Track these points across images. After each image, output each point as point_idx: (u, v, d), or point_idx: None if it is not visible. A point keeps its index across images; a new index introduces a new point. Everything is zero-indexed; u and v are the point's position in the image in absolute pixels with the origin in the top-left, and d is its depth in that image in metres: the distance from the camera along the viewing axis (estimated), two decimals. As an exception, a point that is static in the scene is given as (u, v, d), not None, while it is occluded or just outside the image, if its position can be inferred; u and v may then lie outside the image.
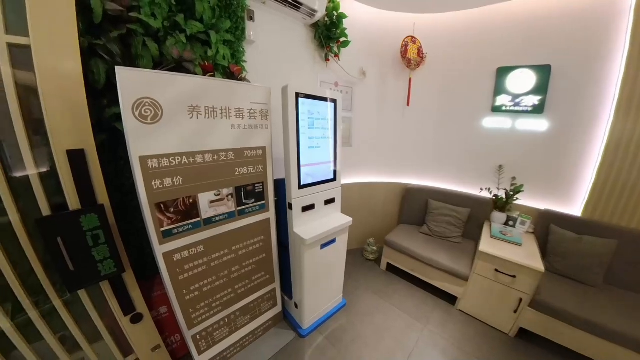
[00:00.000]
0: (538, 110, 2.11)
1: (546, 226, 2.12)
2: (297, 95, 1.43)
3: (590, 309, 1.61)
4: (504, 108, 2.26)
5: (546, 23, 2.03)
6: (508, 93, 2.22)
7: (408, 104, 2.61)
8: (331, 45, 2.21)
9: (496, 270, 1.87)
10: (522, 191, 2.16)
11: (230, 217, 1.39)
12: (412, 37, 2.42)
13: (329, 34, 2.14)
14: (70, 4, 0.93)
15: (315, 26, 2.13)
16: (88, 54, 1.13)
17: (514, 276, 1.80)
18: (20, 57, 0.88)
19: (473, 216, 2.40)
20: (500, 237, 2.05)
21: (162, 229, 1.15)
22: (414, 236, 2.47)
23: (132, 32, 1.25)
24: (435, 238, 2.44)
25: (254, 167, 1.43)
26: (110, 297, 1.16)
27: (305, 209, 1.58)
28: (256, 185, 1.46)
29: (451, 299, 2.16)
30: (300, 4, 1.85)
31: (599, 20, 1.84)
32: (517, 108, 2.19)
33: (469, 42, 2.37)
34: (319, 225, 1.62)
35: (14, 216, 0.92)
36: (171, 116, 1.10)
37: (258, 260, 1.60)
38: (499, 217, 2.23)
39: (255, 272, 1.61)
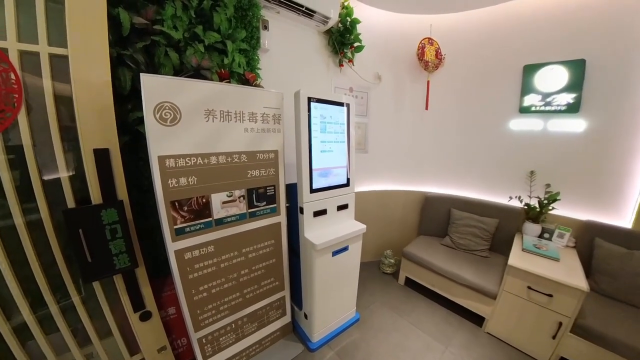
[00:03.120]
0: (573, 109, 2.02)
1: (590, 240, 1.96)
2: (309, 99, 1.50)
3: None
4: (533, 108, 2.18)
5: (577, 14, 1.97)
6: (537, 92, 2.15)
7: (427, 108, 2.61)
8: (345, 50, 2.29)
9: (529, 287, 1.75)
10: (559, 199, 2.03)
11: (241, 218, 1.45)
12: (430, 38, 2.45)
13: (342, 39, 2.24)
14: (103, 18, 1.08)
15: (329, 32, 2.23)
16: (116, 62, 1.29)
17: (551, 295, 1.67)
18: (59, 66, 1.03)
19: (502, 227, 2.28)
20: (534, 250, 1.93)
21: (175, 227, 1.24)
22: (434, 248, 2.39)
23: (156, 43, 1.40)
24: (459, 251, 2.35)
25: (265, 170, 1.50)
26: (123, 292, 1.25)
27: (317, 214, 1.61)
28: (268, 188, 1.52)
29: (478, 320, 2.04)
30: (314, 11, 1.96)
31: (634, 6, 1.76)
32: (548, 108, 2.11)
33: (490, 40, 2.35)
34: (330, 231, 1.64)
35: (43, 210, 1.04)
36: (189, 119, 1.20)
37: (268, 265, 1.64)
38: (532, 228, 2.09)
39: (264, 277, 1.64)
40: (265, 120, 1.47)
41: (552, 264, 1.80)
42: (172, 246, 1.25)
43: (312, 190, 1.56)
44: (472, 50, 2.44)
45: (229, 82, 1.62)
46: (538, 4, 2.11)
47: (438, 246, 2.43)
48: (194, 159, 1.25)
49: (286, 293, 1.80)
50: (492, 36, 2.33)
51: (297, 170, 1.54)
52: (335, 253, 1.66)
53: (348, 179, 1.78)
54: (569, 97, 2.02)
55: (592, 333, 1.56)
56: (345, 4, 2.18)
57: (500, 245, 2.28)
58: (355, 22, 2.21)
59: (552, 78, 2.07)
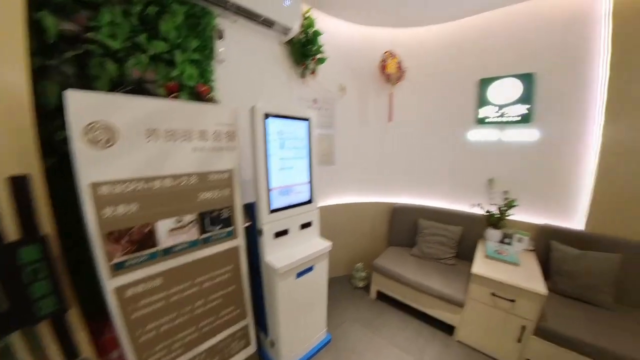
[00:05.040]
0: (526, 119, 2.21)
1: (546, 243, 2.13)
2: (266, 115, 1.48)
3: (604, 335, 1.58)
4: (488, 120, 2.37)
5: (526, 32, 2.18)
6: (492, 104, 2.33)
7: (391, 120, 2.71)
8: (307, 62, 2.32)
9: (493, 294, 1.85)
10: (516, 205, 2.19)
11: (193, 246, 1.38)
12: (391, 52, 2.56)
13: (304, 51, 2.26)
14: (20, 23, 0.98)
15: (290, 43, 2.25)
16: (40, 74, 1.18)
17: (513, 300, 1.78)
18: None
19: (466, 234, 2.41)
20: (496, 256, 2.05)
21: (113, 261, 1.14)
22: (404, 259, 2.46)
23: (90, 53, 1.31)
24: (427, 260, 2.43)
25: (219, 191, 1.44)
26: (50, 340, 1.11)
27: (278, 234, 1.58)
28: (222, 210, 1.47)
29: (449, 329, 2.11)
30: (273, 22, 1.96)
31: (577, 26, 2.00)
32: (503, 119, 2.30)
33: (449, 54, 2.52)
34: (294, 252, 1.62)
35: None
36: (128, 140, 1.13)
37: (227, 293, 1.56)
38: (493, 234, 2.24)
39: (223, 306, 1.56)
40: (217, 139, 1.42)
41: (513, 269, 1.93)
42: (110, 283, 1.14)
43: (272, 211, 1.53)
44: (432, 63, 2.60)
45: (178, 95, 1.56)
46: (490, 22, 2.31)
47: (407, 257, 2.50)
48: (134, 184, 1.17)
49: (249, 321, 1.72)
50: (451, 51, 2.51)
51: (254, 190, 1.51)
52: (299, 275, 1.64)
53: (311, 196, 1.77)
54: (522, 109, 2.22)
55: (553, 334, 1.67)
56: (307, 14, 2.21)
57: (465, 251, 2.39)
58: (317, 33, 2.24)
59: (506, 91, 2.27)
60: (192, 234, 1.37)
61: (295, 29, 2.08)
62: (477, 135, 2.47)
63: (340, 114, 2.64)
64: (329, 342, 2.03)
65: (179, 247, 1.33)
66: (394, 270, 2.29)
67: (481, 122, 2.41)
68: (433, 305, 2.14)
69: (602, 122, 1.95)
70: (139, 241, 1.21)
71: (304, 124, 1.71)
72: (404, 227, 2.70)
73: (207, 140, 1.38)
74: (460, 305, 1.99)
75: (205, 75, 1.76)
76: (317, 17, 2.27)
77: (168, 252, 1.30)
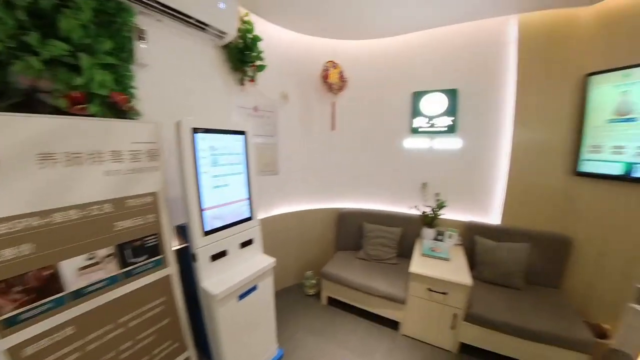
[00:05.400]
0: (451, 130, 2.49)
1: (472, 237, 2.41)
2: (195, 130, 1.38)
3: (519, 314, 1.85)
4: (420, 129, 2.61)
5: (451, 51, 2.46)
6: (424, 115, 2.58)
7: (333, 128, 2.79)
8: (246, 68, 2.23)
9: (429, 289, 2.02)
10: (446, 206, 2.45)
11: (112, 283, 1.22)
12: (333, 62, 2.63)
13: (242, 57, 2.16)
14: None
15: (227, 48, 2.13)
16: None
17: (446, 293, 1.98)
18: None
19: (406, 234, 2.61)
20: (430, 254, 2.25)
21: (2, 317, 0.94)
22: (351, 263, 2.55)
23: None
24: (372, 262, 2.56)
25: (142, 218, 1.30)
26: None
27: (216, 257, 1.49)
28: (147, 238, 1.32)
29: (395, 325, 2.26)
30: (206, 24, 1.83)
31: (493, 48, 2.33)
32: (433, 129, 2.56)
33: (386, 68, 2.70)
34: (234, 273, 1.54)
35: None
36: (11, 169, 0.94)
37: (161, 327, 1.42)
38: (428, 233, 2.46)
39: (157, 343, 1.42)
40: (136, 159, 1.28)
41: (445, 264, 2.14)
42: (1, 344, 0.94)
43: (206, 232, 1.44)
44: (371, 75, 2.75)
45: (85, 108, 1.36)
46: (421, 40, 2.54)
47: (354, 260, 2.60)
48: (25, 222, 0.98)
49: (191, 352, 1.59)
50: (388, 64, 2.69)
51: (185, 213, 1.39)
52: (242, 296, 1.57)
53: (251, 212, 1.71)
54: (448, 120, 2.50)
55: (479, 318, 1.90)
56: (246, 18, 2.12)
57: (406, 250, 2.57)
58: (256, 39, 2.16)
59: (435, 104, 2.53)
60: (110, 269, 1.21)
61: (232, 33, 1.97)
62: (412, 143, 2.70)
63: (283, 122, 2.61)
64: (281, 358, 1.99)
65: (93, 287, 1.16)
66: (341, 276, 2.36)
67: (415, 131, 2.64)
68: (380, 305, 2.26)
69: (512, 130, 2.30)
70: (38, 288, 1.02)
71: (239, 137, 1.64)
72: (350, 231, 2.80)
73: (122, 162, 1.23)
74: (402, 302, 2.14)
75: (122, 81, 1.56)
76: (257, 22, 2.19)
77: (80, 295, 1.12)
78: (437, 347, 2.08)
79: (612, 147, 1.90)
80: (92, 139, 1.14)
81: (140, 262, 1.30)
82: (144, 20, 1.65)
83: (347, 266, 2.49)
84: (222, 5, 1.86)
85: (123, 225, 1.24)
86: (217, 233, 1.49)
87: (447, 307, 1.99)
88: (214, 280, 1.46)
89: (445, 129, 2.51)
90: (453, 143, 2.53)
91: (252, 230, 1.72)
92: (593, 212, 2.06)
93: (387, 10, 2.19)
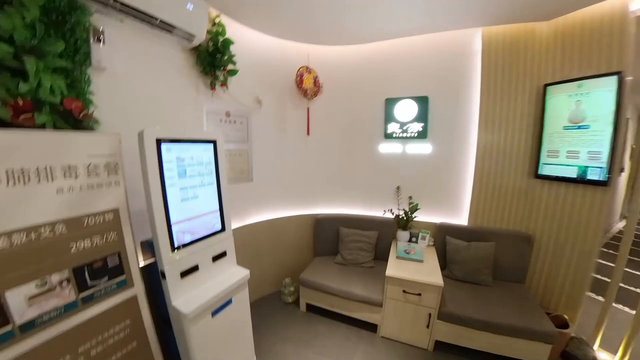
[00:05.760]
0: (422, 135, 2.59)
1: (443, 238, 2.51)
2: (159, 141, 1.31)
3: (487, 310, 1.96)
4: (394, 135, 2.68)
5: (422, 60, 2.55)
6: (396, 121, 2.65)
7: (308, 134, 2.80)
8: (217, 72, 2.15)
9: (404, 291, 2.09)
10: (419, 209, 2.53)
11: (69, 309, 1.12)
12: (307, 67, 2.62)
13: (213, 60, 2.08)
14: None
15: (197, 51, 2.04)
16: None
17: (420, 294, 2.05)
18: None
19: (381, 237, 2.67)
20: (405, 256, 2.32)
21: None
22: (328, 269, 2.56)
23: None
24: (350, 266, 2.60)
25: (101, 237, 1.21)
26: None
27: (186, 273, 1.43)
28: (108, 258, 1.24)
29: (373, 327, 2.29)
30: (173, 26, 1.74)
31: (460, 58, 2.45)
32: (405, 134, 2.65)
33: (360, 74, 2.74)
34: (206, 289, 1.48)
35: None
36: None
37: (127, 352, 1.33)
38: (403, 235, 2.54)
39: (123, 369, 1.33)
40: (93, 173, 1.19)
41: (418, 266, 2.22)
42: None
43: (175, 248, 1.37)
44: (346, 80, 2.79)
45: (31, 117, 1.24)
46: (394, 49, 2.61)
47: (332, 266, 2.62)
48: (-40, 250, 0.88)
49: (162, 374, 1.52)
50: (362, 71, 2.74)
51: (151, 230, 1.32)
52: (215, 312, 1.51)
53: (223, 224, 1.66)
54: (419, 126, 2.60)
55: (451, 316, 1.99)
56: (217, 20, 2.04)
57: (382, 252, 2.63)
58: (227, 42, 2.07)
59: (406, 110, 2.61)
60: (66, 295, 1.11)
61: (201, 36, 1.89)
62: (386, 148, 2.78)
63: (257, 127, 2.55)
64: (259, 370, 1.96)
65: (47, 316, 1.06)
66: (320, 282, 2.36)
67: (389, 136, 2.72)
68: (358, 309, 2.29)
69: (477, 134, 2.43)
70: (-23, 323, 0.92)
71: (209, 147, 1.57)
72: (328, 236, 2.81)
73: (77, 178, 1.14)
74: (379, 305, 2.18)
75: (77, 87, 1.44)
76: (229, 25, 2.11)
77: (31, 327, 1.02)
78: (413, 346, 2.15)
79: (567, 152, 2.06)
80: (40, 154, 1.04)
81: (101, 284, 1.21)
82: (102, 19, 1.53)
83: (325, 272, 2.49)
84: (190, 6, 1.78)
85: (80, 246, 1.14)
86: (187, 248, 1.43)
87: (422, 307, 2.06)
88: (185, 297, 1.40)
89: (417, 134, 2.61)
90: (424, 148, 2.63)
91: (224, 243, 1.67)
92: (551, 211, 2.22)
93: (361, 18, 2.21)
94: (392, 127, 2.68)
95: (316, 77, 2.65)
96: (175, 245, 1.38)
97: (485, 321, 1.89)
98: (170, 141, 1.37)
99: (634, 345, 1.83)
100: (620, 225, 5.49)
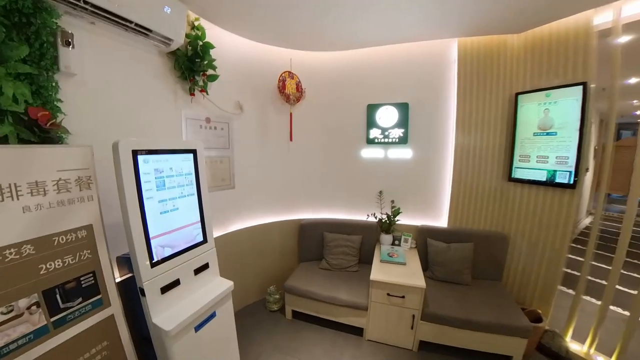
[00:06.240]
0: (403, 141, 2.67)
1: (424, 240, 2.60)
2: (135, 153, 1.26)
3: (467, 309, 2.05)
4: (376, 140, 2.75)
5: (402, 68, 2.63)
6: (378, 127, 2.72)
7: (291, 139, 2.79)
8: (196, 78, 2.10)
9: (388, 294, 2.13)
10: (401, 212, 2.60)
11: (40, 335, 1.05)
12: (290, 72, 2.61)
13: (192, 65, 2.03)
14: None
15: (175, 55, 1.98)
16: None
17: (403, 296, 2.10)
18: None
19: (365, 241, 2.71)
20: (388, 259, 2.38)
21: None
22: (313, 274, 2.57)
23: None
24: (335, 271, 2.62)
25: (74, 256, 1.15)
26: None
27: (167, 288, 1.38)
28: (82, 278, 1.18)
29: (359, 331, 2.33)
30: (149, 30, 1.67)
31: (438, 66, 2.56)
32: (386, 140, 2.71)
33: (342, 80, 2.78)
34: (188, 303, 1.45)
35: None
36: None
37: (103, 375, 1.28)
38: (386, 238, 2.60)
39: (100, 393, 1.27)
40: (64, 189, 1.13)
41: (401, 269, 2.28)
42: None
43: (154, 263, 1.33)
44: (328, 86, 2.82)
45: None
46: (375, 56, 2.68)
47: (317, 271, 2.63)
48: None
49: (142, 395, 1.47)
50: (344, 76, 2.78)
51: (128, 245, 1.27)
52: (199, 327, 1.48)
53: (204, 235, 1.62)
54: (399, 132, 2.67)
55: (434, 316, 2.07)
56: (196, 24, 1.98)
57: (366, 256, 2.67)
58: (208, 46, 2.02)
59: (388, 116, 2.68)
60: (36, 321, 1.05)
61: (179, 40, 1.83)
62: (368, 153, 2.84)
63: (239, 133, 2.51)
64: (245, 382, 1.93)
65: (15, 344, 0.99)
66: (305, 289, 2.37)
67: (371, 142, 2.78)
68: (344, 314, 2.31)
69: (454, 139, 2.54)
70: None
71: (188, 157, 1.53)
72: (312, 242, 2.82)
73: (46, 194, 1.08)
74: (365, 309, 2.22)
75: (43, 94, 1.35)
76: (209, 29, 2.05)
77: (-4, 356, 0.96)
78: (399, 347, 2.20)
79: (537, 157, 2.19)
80: (4, 170, 0.97)
81: (74, 306, 1.15)
82: (71, 22, 1.44)
83: (310, 278, 2.50)
84: (167, 9, 1.72)
85: (50, 267, 1.08)
86: (167, 262, 1.39)
87: (406, 309, 2.12)
88: (167, 314, 1.35)
89: (398, 140, 2.68)
90: (405, 153, 2.72)
91: (206, 254, 1.63)
92: (524, 212, 2.36)
93: (343, 25, 2.23)
94: (374, 133, 2.74)
95: (299, 82, 2.66)
96: (155, 260, 1.33)
97: (466, 319, 1.98)
98: (148, 152, 1.32)
99: (600, 334, 2.00)
100: (587, 221, 5.89)
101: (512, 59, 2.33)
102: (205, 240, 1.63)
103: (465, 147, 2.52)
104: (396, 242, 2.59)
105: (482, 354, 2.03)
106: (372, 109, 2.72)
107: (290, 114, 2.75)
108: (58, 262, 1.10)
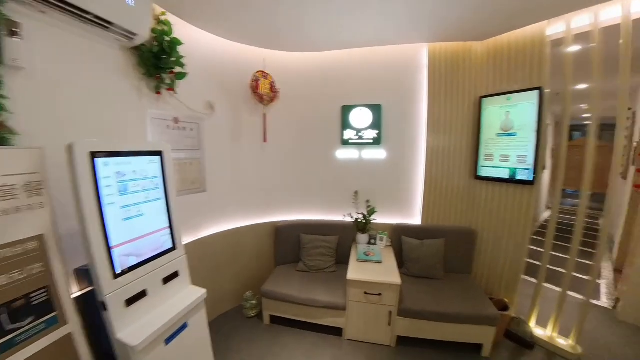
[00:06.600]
0: (377, 142, 2.73)
1: (399, 238, 2.67)
2: (94, 155, 1.17)
3: (441, 302, 2.14)
4: (350, 141, 2.79)
5: (376, 70, 2.69)
6: (352, 128, 2.76)
7: (265, 140, 2.74)
8: (162, 75, 1.99)
9: (365, 292, 2.17)
10: (376, 211, 2.66)
11: (-20, 360, 0.94)
12: (263, 72, 2.56)
13: (157, 62, 1.92)
14: None
15: (140, 51, 1.86)
16: None
17: (380, 294, 2.15)
18: None
19: (342, 242, 2.74)
20: (365, 258, 2.42)
21: None
22: (291, 277, 2.54)
23: None
24: (312, 273, 2.61)
25: (22, 271, 1.04)
26: None
27: (133, 300, 1.30)
28: (32, 295, 1.06)
29: (338, 331, 2.34)
30: (109, 22, 1.55)
31: (410, 70, 2.66)
32: (361, 141, 2.76)
33: (317, 81, 2.79)
34: (157, 315, 1.36)
35: None
36: None
37: (60, 398, 1.17)
38: (362, 238, 2.65)
39: (56, 418, 1.16)
40: (9, 195, 1.01)
41: (377, 267, 2.33)
42: None
43: (117, 274, 1.24)
44: (303, 87, 2.81)
45: None
46: (350, 58, 2.72)
47: (294, 274, 2.60)
48: None
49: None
50: (318, 77, 2.79)
51: (87, 255, 1.17)
52: (169, 339, 1.40)
53: (173, 242, 1.55)
54: (373, 133, 2.73)
55: (409, 312, 2.13)
56: (163, 18, 1.87)
57: (343, 256, 2.68)
58: (175, 42, 1.91)
59: (362, 117, 2.73)
60: (-26, 345, 0.93)
61: (144, 34, 1.72)
62: (343, 154, 2.87)
63: (210, 134, 2.41)
64: (221, 393, 1.86)
65: (-54, 374, 0.88)
66: (282, 292, 2.33)
67: (345, 143, 2.82)
68: (322, 315, 2.31)
69: (425, 140, 2.65)
70: None
71: (154, 159, 1.45)
72: (289, 244, 2.79)
73: (-13, 203, 0.96)
74: (343, 309, 2.23)
75: (-16, 89, 1.22)
76: (177, 24, 1.95)
77: None
78: (377, 344, 2.24)
79: (500, 156, 2.35)
80: None
81: (24, 326, 1.04)
82: (18, 10, 1.29)
83: (287, 281, 2.47)
84: (130, 1, 1.61)
85: (-6, 283, 0.97)
86: (132, 272, 1.30)
87: (383, 306, 2.17)
88: (132, 328, 1.27)
89: (372, 140, 2.74)
90: (379, 154, 2.79)
91: (176, 262, 1.55)
92: (489, 208, 2.51)
93: (317, 26, 2.24)
94: (349, 134, 2.78)
95: (273, 82, 2.62)
96: (118, 271, 1.24)
97: (439, 312, 2.07)
98: (108, 155, 1.23)
99: (560, 318, 2.18)
100: (546, 214, 6.40)
101: (476, 64, 2.48)
102: (174, 247, 1.55)
103: (435, 147, 2.64)
104: (372, 241, 2.64)
105: (455, 344, 2.13)
106: (346, 110, 2.76)
107: (264, 115, 2.69)
108: (3, 278, 0.99)
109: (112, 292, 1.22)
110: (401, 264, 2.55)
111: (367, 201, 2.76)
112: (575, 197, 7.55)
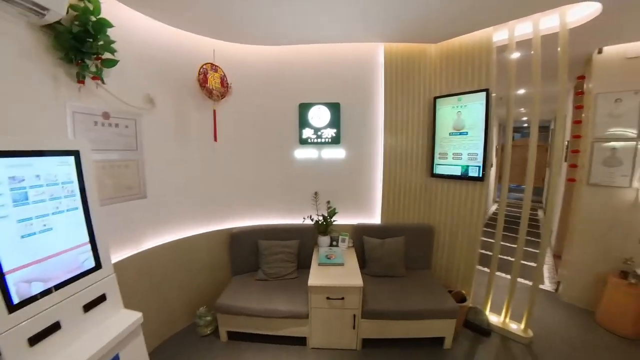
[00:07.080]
0: (336, 141, 2.68)
1: (360, 238, 2.65)
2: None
3: (402, 300, 2.16)
4: (309, 140, 2.70)
5: (333, 68, 2.64)
6: (311, 127, 2.68)
7: (215, 139, 2.50)
8: (86, 61, 1.69)
9: (328, 297, 2.09)
10: (337, 212, 2.61)
11: None
12: (213, 64, 2.35)
13: (79, 45, 1.61)
14: None
15: (55, 30, 1.54)
16: None
17: (343, 298, 2.08)
18: None
19: (303, 246, 2.63)
20: (326, 262, 2.36)
21: None
22: (249, 288, 2.37)
23: None
24: (272, 280, 2.47)
25: None
26: None
27: (39, 337, 1.04)
28: None
29: (302, 341, 2.23)
30: None
31: (367, 69, 2.65)
32: (320, 140, 2.70)
33: (273, 77, 2.65)
34: (75, 350, 1.11)
35: None
36: None
37: None
38: (323, 240, 2.58)
39: None
40: None
41: (339, 270, 2.27)
42: None
43: (15, 306, 0.98)
44: (258, 83, 2.65)
45: None
46: (307, 53, 2.63)
47: (252, 284, 2.43)
48: None
49: None
50: (275, 73, 2.65)
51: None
52: (94, 378, 1.16)
53: (98, 259, 1.30)
54: (332, 132, 2.68)
55: (373, 313, 2.11)
56: None
57: (305, 261, 2.59)
58: (103, 24, 1.61)
59: (320, 116, 2.67)
60: None
61: (60, 11, 1.41)
62: (302, 154, 2.77)
63: (150, 132, 2.11)
64: None
65: None
66: (239, 306, 2.14)
67: (304, 142, 2.72)
68: (284, 326, 2.18)
69: (383, 139, 2.68)
70: None
71: (67, 159, 1.19)
72: (246, 252, 2.60)
73: None
74: (306, 316, 2.13)
75: None
76: (107, 3, 1.67)
77: None
78: (343, 349, 2.18)
79: (453, 154, 2.45)
80: None
81: None
82: None
83: (245, 292, 2.29)
84: (40, -31, 1.32)
85: None
86: (37, 302, 1.04)
87: (346, 310, 2.11)
88: (38, 373, 1.01)
89: (331, 139, 2.69)
90: (338, 153, 2.75)
91: (102, 283, 1.30)
92: (445, 204, 2.61)
93: (267, 17, 2.08)
94: (307, 133, 2.69)
95: (223, 76, 2.41)
96: (15, 302, 0.98)
97: (402, 311, 2.09)
98: (3, 154, 0.97)
99: (512, 304, 2.33)
100: (493, 207, 7.02)
101: (430, 65, 2.56)
102: (98, 266, 1.29)
103: (393, 146, 2.67)
104: (334, 243, 2.58)
105: (419, 339, 2.17)
106: (304, 108, 2.66)
107: (214, 111, 2.45)
108: None
109: (7, 331, 0.95)
110: (363, 264, 2.52)
111: (328, 202, 2.70)
112: (517, 191, 8.42)
